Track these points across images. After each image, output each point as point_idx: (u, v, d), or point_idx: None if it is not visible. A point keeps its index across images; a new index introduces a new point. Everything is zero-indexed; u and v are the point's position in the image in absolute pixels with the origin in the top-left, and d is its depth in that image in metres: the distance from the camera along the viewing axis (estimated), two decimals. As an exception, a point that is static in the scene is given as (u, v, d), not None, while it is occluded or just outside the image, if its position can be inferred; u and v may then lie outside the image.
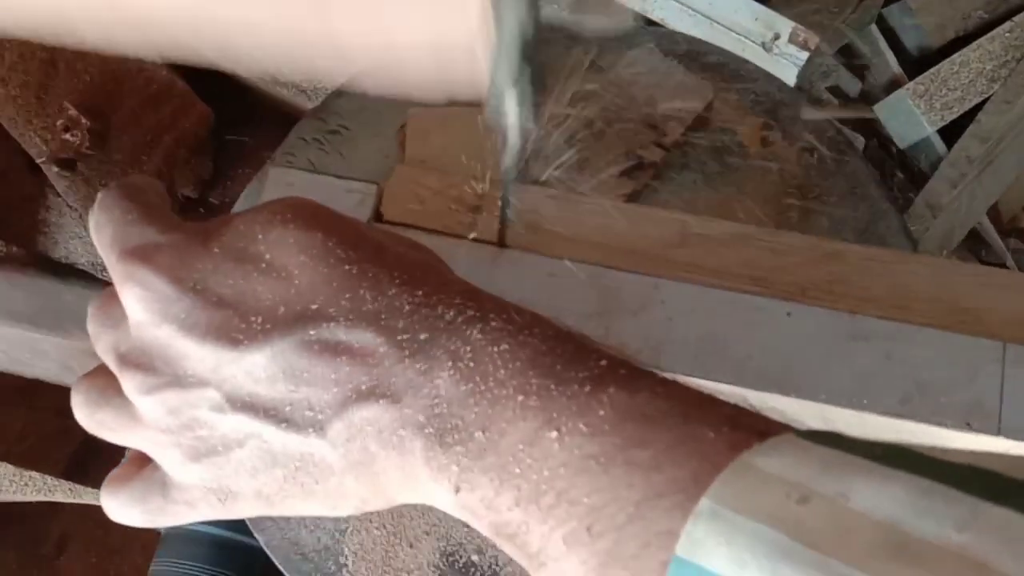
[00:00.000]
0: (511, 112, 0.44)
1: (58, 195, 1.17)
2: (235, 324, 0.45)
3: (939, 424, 0.50)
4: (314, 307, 0.45)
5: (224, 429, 0.46)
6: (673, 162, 0.81)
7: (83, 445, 1.02)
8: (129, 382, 0.47)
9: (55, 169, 1.16)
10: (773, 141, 0.81)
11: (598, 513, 0.39)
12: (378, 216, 0.60)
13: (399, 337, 0.44)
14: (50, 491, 0.94)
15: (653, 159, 0.79)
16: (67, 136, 1.16)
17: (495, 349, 0.44)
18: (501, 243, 0.58)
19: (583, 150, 0.77)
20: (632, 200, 0.78)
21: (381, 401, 0.44)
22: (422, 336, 0.44)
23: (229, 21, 0.42)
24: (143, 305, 0.46)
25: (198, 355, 0.45)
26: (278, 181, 0.60)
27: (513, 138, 0.48)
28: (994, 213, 1.70)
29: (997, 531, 0.30)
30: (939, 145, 1.67)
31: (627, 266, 0.56)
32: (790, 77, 1.27)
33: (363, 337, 0.44)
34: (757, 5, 1.28)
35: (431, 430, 0.43)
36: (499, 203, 0.57)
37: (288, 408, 0.45)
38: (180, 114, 1.23)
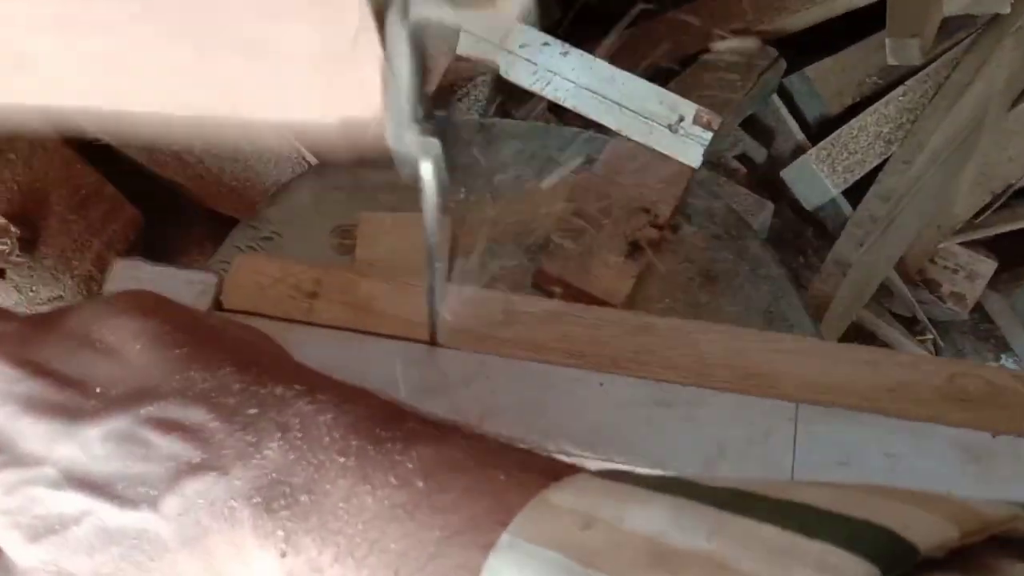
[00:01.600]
0: (414, 136, 0.45)
1: (-12, 302, 1.18)
2: (73, 403, 0.47)
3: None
4: (148, 387, 0.47)
5: (61, 507, 0.47)
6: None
7: None
8: None
9: (-15, 278, 1.17)
10: (681, 227, 0.87)
11: (404, 557, 0.42)
12: (219, 305, 0.62)
13: (229, 413, 0.46)
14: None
15: (651, 238, 0.84)
16: (-3, 245, 1.18)
17: (322, 419, 0.46)
18: (433, 342, 0.61)
19: (589, 243, 0.82)
20: (638, 282, 0.83)
21: (211, 474, 0.45)
22: (251, 411, 0.46)
23: (121, 96, 0.45)
24: None
25: (36, 432, 0.47)
26: (122, 273, 0.62)
27: (426, 173, 0.48)
28: (902, 267, 1.77)
29: (739, 537, 0.35)
30: (844, 206, 1.75)
31: (456, 345, 0.60)
32: (696, 157, 1.32)
33: (194, 414, 0.46)
34: (662, 89, 1.34)
35: (259, 499, 0.45)
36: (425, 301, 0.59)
37: (122, 485, 0.46)
38: (109, 218, 1.25)
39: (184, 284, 0.61)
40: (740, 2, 1.73)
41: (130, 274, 0.61)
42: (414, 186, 0.49)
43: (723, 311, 0.83)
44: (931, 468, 0.56)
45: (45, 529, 0.47)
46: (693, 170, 0.88)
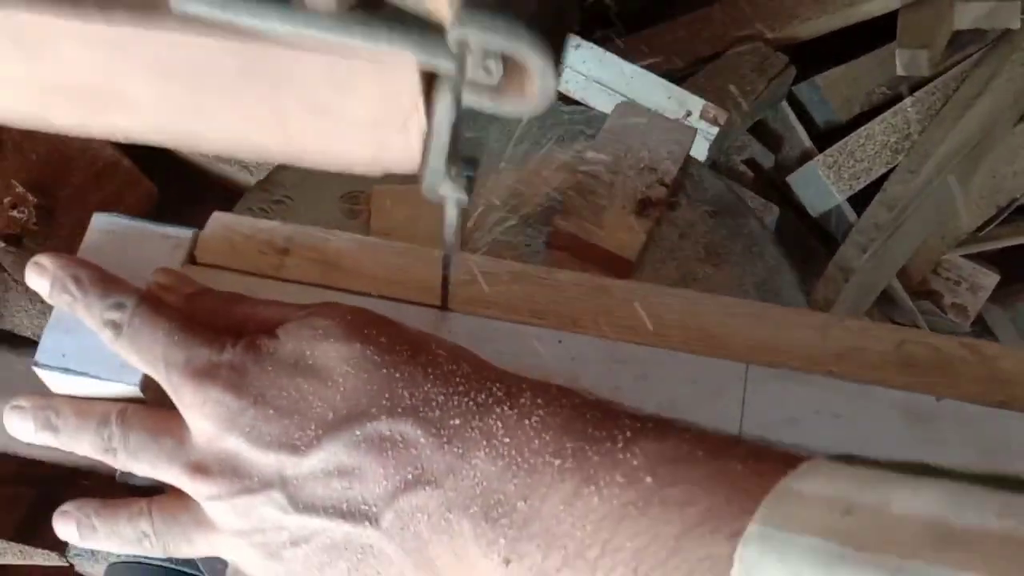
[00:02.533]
0: (446, 190, 0.49)
1: (4, 270, 1.21)
2: (292, 433, 0.50)
3: None
4: (358, 409, 0.50)
5: (291, 528, 0.51)
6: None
7: (31, 509, 1.05)
8: (202, 490, 0.52)
9: (2, 245, 1.19)
10: (680, 204, 0.89)
11: (642, 554, 0.41)
12: (192, 259, 0.63)
13: (436, 426, 0.48)
14: (1, 554, 0.97)
15: (659, 196, 0.87)
16: (14, 213, 1.20)
17: (527, 422, 0.48)
18: (444, 306, 0.63)
19: (600, 199, 0.85)
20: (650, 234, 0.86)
21: (426, 488, 0.48)
22: (455, 422, 0.48)
23: (200, 129, 0.49)
24: (213, 422, 0.51)
25: (263, 462, 0.50)
26: (99, 228, 0.63)
27: (451, 214, 0.53)
28: (904, 276, 1.79)
29: None
30: (849, 213, 1.76)
31: (420, 299, 0.62)
32: (701, 151, 1.34)
33: (403, 430, 0.49)
34: (670, 84, 1.36)
35: (475, 508, 0.47)
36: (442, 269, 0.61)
37: (345, 504, 0.49)
38: (125, 191, 1.28)
39: (159, 239, 0.62)
40: (754, 8, 1.76)
41: (107, 229, 0.62)
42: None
43: (719, 285, 0.85)
44: (874, 429, 0.57)
45: (278, 547, 0.51)
46: (695, 130, 0.91)
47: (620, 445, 0.46)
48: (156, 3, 0.43)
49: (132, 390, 0.57)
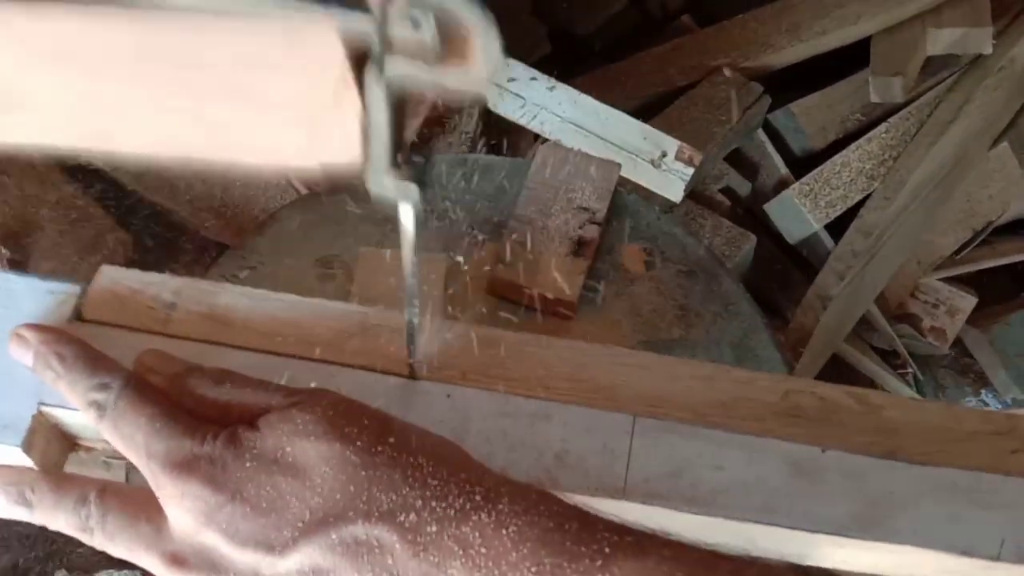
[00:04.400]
0: (392, 183, 0.46)
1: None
2: (269, 532, 0.50)
3: (572, 491, 0.56)
4: (335, 511, 0.49)
5: None
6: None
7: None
8: None
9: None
10: (654, 265, 0.89)
11: None
12: (79, 315, 0.62)
13: (412, 532, 0.48)
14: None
15: (592, 235, 0.87)
16: (-13, 265, 1.20)
17: (504, 532, 0.47)
18: (412, 376, 0.62)
19: (536, 244, 0.85)
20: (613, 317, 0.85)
21: None
22: (432, 528, 0.48)
23: (109, 127, 0.46)
24: (191, 515, 0.51)
25: (240, 560, 0.50)
26: None
27: (404, 215, 0.50)
28: (883, 300, 1.80)
29: None
30: (826, 240, 1.77)
31: (307, 355, 0.61)
32: (678, 192, 1.35)
33: (379, 535, 0.48)
34: (645, 125, 1.36)
35: None
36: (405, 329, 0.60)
37: None
38: (99, 240, 1.27)
39: (44, 294, 0.62)
40: (728, 38, 1.77)
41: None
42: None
43: (695, 345, 0.85)
44: (760, 481, 0.57)
45: None
46: (619, 165, 0.91)
47: (599, 563, 0.45)
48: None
49: (15, 450, 0.56)
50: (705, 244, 0.92)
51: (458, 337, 0.62)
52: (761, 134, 1.78)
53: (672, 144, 1.32)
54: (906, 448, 0.59)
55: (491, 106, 1.39)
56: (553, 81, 1.35)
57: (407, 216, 0.50)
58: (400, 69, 0.40)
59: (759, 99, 1.71)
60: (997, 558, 0.57)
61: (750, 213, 1.82)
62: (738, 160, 1.80)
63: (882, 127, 1.76)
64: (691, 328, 0.86)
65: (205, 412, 0.54)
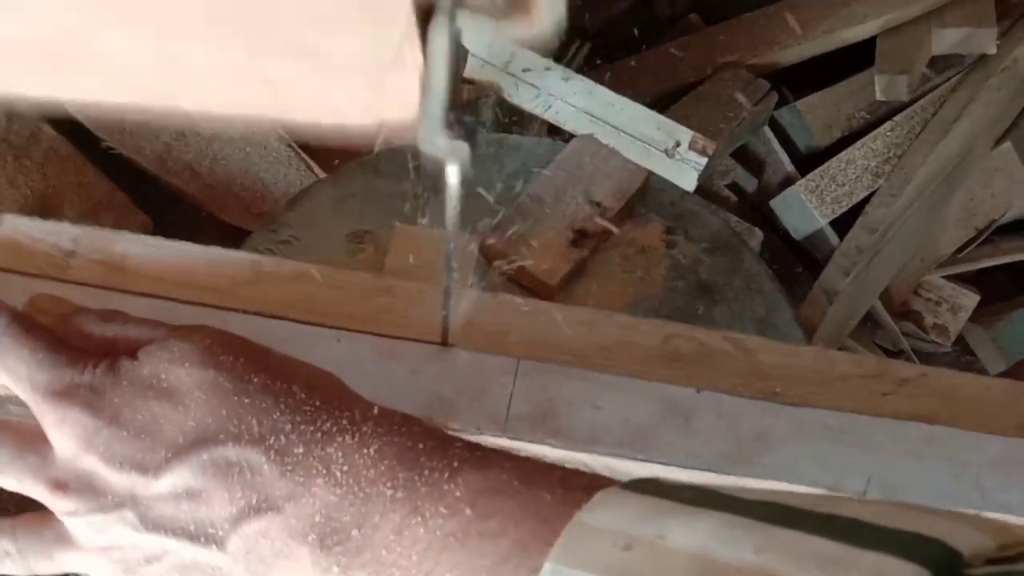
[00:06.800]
0: (444, 140, 0.47)
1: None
2: (144, 454, 0.51)
3: (457, 429, 0.58)
4: (207, 434, 0.51)
5: (144, 546, 0.52)
6: (596, 261, 0.90)
7: None
8: (61, 506, 0.53)
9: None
10: (677, 243, 0.91)
11: None
12: None
13: (280, 454, 0.50)
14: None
15: (597, 229, 0.88)
16: (9, 247, 1.21)
17: (366, 451, 0.50)
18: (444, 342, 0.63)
19: (536, 222, 0.86)
20: (578, 269, 0.87)
21: (268, 514, 0.50)
22: (299, 450, 0.50)
23: (174, 87, 0.47)
24: (71, 440, 0.52)
25: (117, 482, 0.52)
26: None
27: (451, 171, 0.51)
28: (886, 297, 1.81)
29: (786, 549, 0.37)
30: (832, 236, 1.78)
31: (200, 300, 0.62)
32: (691, 181, 1.36)
33: (249, 457, 0.50)
34: (659, 116, 1.38)
35: (313, 536, 0.49)
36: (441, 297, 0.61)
37: (192, 526, 0.51)
38: (120, 224, 1.28)
39: None
40: (735, 35, 1.78)
41: None
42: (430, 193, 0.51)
43: (717, 322, 0.87)
44: (635, 420, 0.60)
45: (135, 564, 0.53)
46: (648, 175, 0.93)
47: (447, 475, 0.48)
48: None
49: None
50: (727, 222, 0.94)
51: (347, 284, 0.63)
52: (767, 131, 1.80)
53: (686, 134, 1.33)
54: (779, 390, 0.61)
55: (506, 95, 1.41)
56: (568, 72, 1.37)
57: (454, 176, 0.51)
58: (467, 23, 0.41)
59: (766, 96, 1.72)
60: (864, 495, 0.59)
61: (756, 209, 1.83)
62: (744, 156, 1.81)
63: (887, 125, 1.77)
64: (714, 305, 0.87)
65: (91, 348, 0.56)
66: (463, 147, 0.47)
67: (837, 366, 0.63)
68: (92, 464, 0.52)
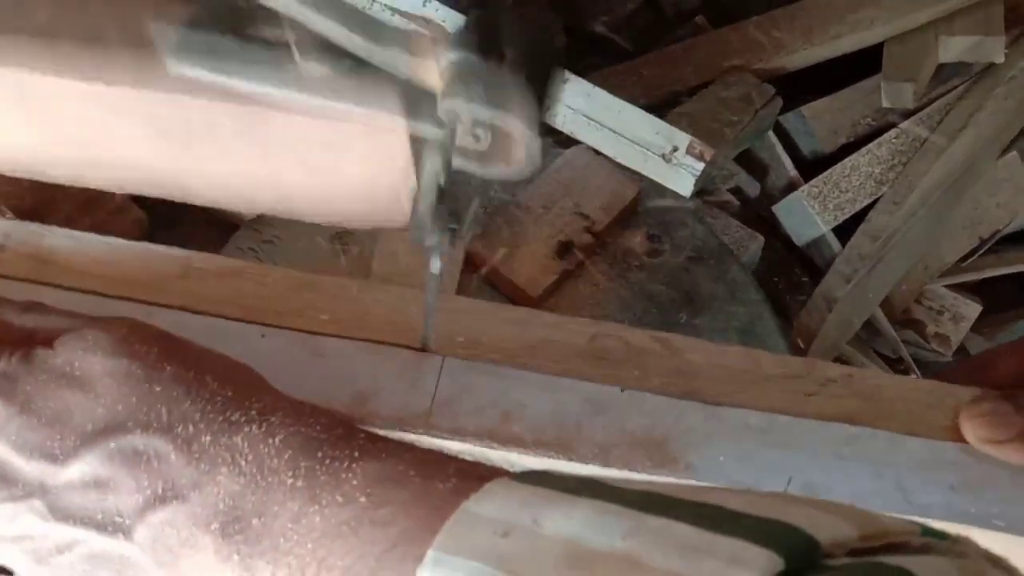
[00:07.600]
0: (432, 242, 0.51)
1: (-7, 296, 1.21)
2: (53, 443, 0.51)
3: (379, 425, 0.58)
4: (116, 422, 0.51)
5: (53, 536, 0.52)
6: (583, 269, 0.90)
7: None
8: None
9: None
10: (661, 251, 0.90)
11: (348, 572, 0.45)
12: None
13: (187, 443, 0.50)
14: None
15: (583, 243, 0.88)
16: (4, 240, 1.21)
17: (271, 441, 0.50)
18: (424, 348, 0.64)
19: (523, 232, 0.86)
20: (562, 282, 0.86)
21: (174, 502, 0.49)
22: (206, 439, 0.50)
23: (194, 184, 0.50)
24: None
25: (27, 470, 0.51)
26: None
27: (435, 263, 0.55)
28: (888, 306, 1.80)
29: (652, 535, 0.38)
30: (833, 243, 1.77)
31: (128, 295, 0.62)
32: (687, 187, 1.35)
33: (156, 445, 0.50)
34: (657, 120, 1.37)
35: (216, 525, 0.49)
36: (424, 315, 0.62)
37: (100, 515, 0.50)
38: (115, 219, 1.28)
39: None
40: (741, 39, 1.78)
41: None
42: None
43: (701, 331, 0.86)
44: (558, 418, 0.60)
45: (47, 554, 0.52)
46: (639, 192, 0.92)
47: (347, 464, 0.48)
48: (154, 66, 0.44)
49: None
50: (714, 232, 0.93)
51: (273, 280, 0.64)
52: (771, 136, 1.79)
53: (684, 139, 1.32)
54: (704, 389, 0.62)
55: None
56: (567, 74, 1.36)
57: (436, 267, 0.55)
58: (455, 164, 0.46)
59: (771, 101, 1.71)
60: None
61: (758, 214, 1.82)
62: (748, 161, 1.81)
63: (892, 132, 1.76)
64: (697, 314, 0.87)
65: (9, 338, 0.56)
66: (447, 246, 0.52)
67: (764, 366, 0.63)
68: (4, 452, 0.52)
